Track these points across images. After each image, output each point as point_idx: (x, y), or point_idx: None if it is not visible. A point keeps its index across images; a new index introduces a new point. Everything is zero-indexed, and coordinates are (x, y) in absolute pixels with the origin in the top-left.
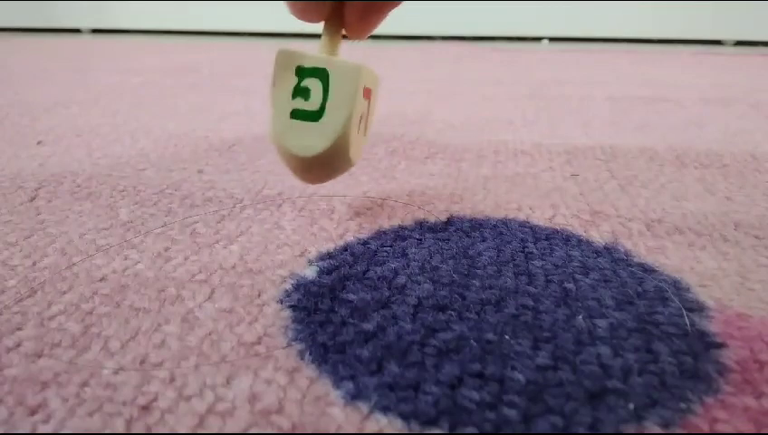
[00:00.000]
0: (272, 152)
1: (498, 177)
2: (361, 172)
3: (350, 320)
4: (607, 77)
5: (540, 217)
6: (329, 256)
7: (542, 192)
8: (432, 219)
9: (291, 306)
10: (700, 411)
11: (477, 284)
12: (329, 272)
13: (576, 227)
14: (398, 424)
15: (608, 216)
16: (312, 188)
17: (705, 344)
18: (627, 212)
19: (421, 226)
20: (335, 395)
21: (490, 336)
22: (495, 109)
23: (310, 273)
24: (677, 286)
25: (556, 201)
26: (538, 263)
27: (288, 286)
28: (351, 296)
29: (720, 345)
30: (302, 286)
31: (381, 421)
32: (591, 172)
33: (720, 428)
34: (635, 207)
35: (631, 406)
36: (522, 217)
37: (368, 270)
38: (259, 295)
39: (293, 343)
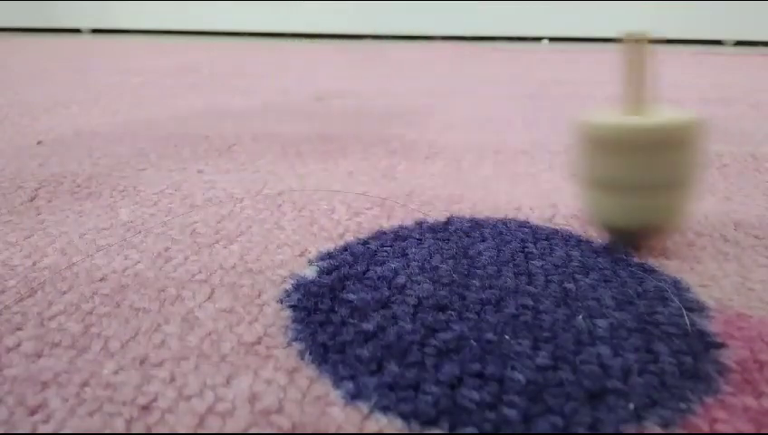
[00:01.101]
0: (272, 153)
1: (498, 177)
2: (361, 172)
3: (350, 320)
4: (607, 77)
5: (540, 217)
6: (329, 256)
7: (542, 192)
8: (432, 219)
9: (291, 306)
10: (700, 411)
11: (477, 283)
12: (329, 272)
13: (576, 227)
14: (398, 424)
15: None
16: (311, 186)
17: (705, 344)
18: None
19: (421, 226)
20: (335, 395)
21: (490, 336)
22: (495, 109)
23: (310, 273)
24: (677, 286)
25: (556, 201)
26: (538, 263)
27: (288, 286)
28: (351, 296)
29: (720, 345)
30: (302, 286)
31: (381, 421)
32: None
33: (720, 428)
34: None
35: (631, 406)
36: (522, 217)
37: (368, 270)
38: (259, 295)
39: (293, 343)
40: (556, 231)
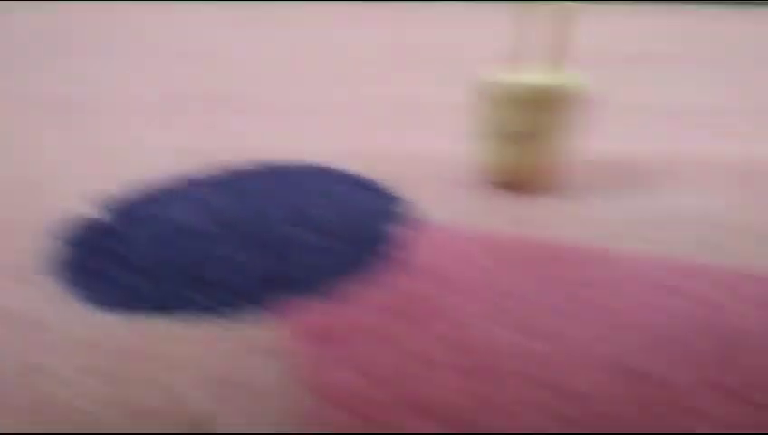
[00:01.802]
0: (115, 111)
1: (323, 131)
2: (191, 128)
3: (114, 249)
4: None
5: (333, 162)
6: (116, 197)
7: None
8: (230, 166)
9: (63, 239)
10: (353, 288)
11: (243, 216)
12: (111, 211)
13: (354, 167)
14: (130, 316)
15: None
16: (138, 143)
17: (386, 242)
18: None
19: (218, 172)
20: (88, 306)
21: (224, 252)
22: (356, 66)
23: (92, 211)
24: (398, 205)
25: (357, 149)
26: (301, 197)
27: (68, 222)
28: (123, 231)
29: (396, 244)
30: (80, 222)
31: (124, 320)
32: None
33: (373, 301)
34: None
35: (308, 280)
36: (316, 161)
37: (148, 209)
38: (34, 228)
39: (55, 272)
40: (333, 170)
